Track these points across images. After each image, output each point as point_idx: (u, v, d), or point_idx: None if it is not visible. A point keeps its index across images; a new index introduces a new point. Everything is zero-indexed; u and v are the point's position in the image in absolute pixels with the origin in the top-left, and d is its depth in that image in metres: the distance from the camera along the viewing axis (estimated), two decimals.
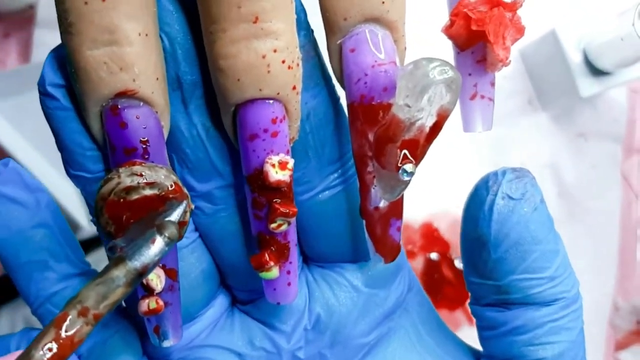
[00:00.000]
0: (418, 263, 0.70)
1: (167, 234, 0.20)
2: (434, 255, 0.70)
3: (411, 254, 0.70)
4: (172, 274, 0.25)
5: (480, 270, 0.28)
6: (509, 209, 0.26)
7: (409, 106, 0.22)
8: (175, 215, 0.22)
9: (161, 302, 0.24)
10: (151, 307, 0.24)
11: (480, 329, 0.29)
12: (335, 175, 0.26)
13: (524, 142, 0.72)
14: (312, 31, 0.24)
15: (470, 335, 0.72)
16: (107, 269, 0.19)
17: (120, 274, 0.19)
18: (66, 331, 0.19)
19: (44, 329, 0.19)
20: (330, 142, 0.26)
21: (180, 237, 0.21)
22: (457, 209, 0.71)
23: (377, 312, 0.29)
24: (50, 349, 0.18)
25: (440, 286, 0.70)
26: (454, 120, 0.76)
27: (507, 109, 0.73)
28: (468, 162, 0.71)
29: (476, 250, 0.27)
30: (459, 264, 0.70)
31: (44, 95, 0.23)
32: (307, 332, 0.29)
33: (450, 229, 0.71)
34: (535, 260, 0.26)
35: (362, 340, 0.29)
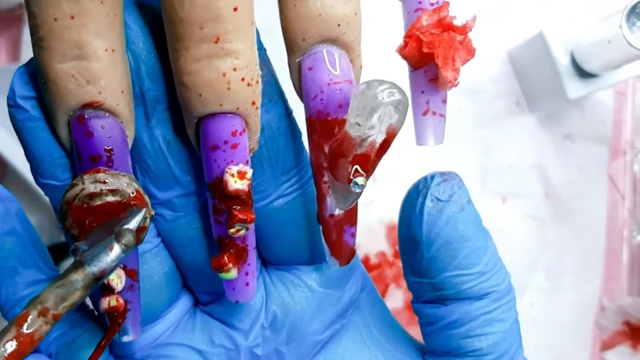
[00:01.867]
0: None
1: (124, 242, 0.21)
2: None
3: (399, 255, 0.70)
4: (132, 274, 0.26)
5: (416, 270, 0.29)
6: (438, 210, 0.27)
7: (359, 125, 0.24)
8: (134, 223, 0.23)
9: (121, 300, 0.25)
10: (111, 305, 0.25)
11: (422, 325, 0.31)
12: (288, 184, 0.28)
13: (511, 143, 0.73)
14: (265, 50, 0.26)
15: None
16: (66, 273, 0.21)
17: (78, 277, 0.21)
18: (26, 329, 0.20)
19: (5, 326, 0.20)
20: (283, 154, 0.27)
21: (140, 242, 0.23)
22: None
23: (331, 311, 0.31)
24: (11, 346, 0.20)
25: None
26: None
27: (494, 110, 0.73)
28: (455, 164, 0.72)
29: (411, 250, 0.29)
30: None
31: (13, 107, 0.24)
32: (264, 330, 0.30)
33: None
34: (465, 257, 0.28)
35: (316, 337, 0.31)
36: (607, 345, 0.71)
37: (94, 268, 0.21)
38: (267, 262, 0.31)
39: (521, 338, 0.30)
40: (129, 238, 0.22)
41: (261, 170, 0.27)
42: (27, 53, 0.71)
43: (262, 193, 0.28)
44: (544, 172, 0.73)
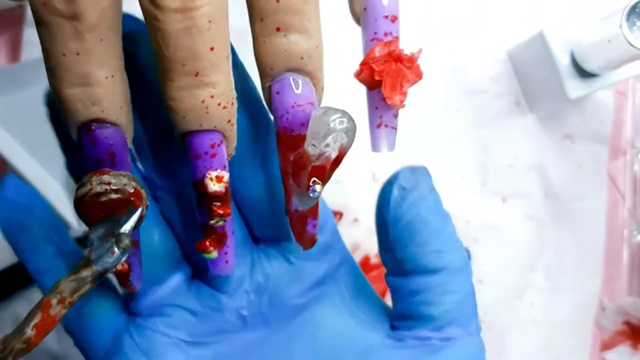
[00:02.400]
0: None
1: (122, 246, 0.28)
2: None
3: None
4: (134, 244, 0.32)
5: (385, 246, 0.35)
6: (402, 196, 0.33)
7: (315, 146, 0.29)
8: (131, 223, 0.29)
9: (126, 265, 0.32)
10: (118, 269, 0.31)
11: (391, 293, 0.36)
12: (269, 173, 0.34)
13: (511, 143, 0.73)
14: (242, 64, 0.32)
15: None
16: (78, 268, 0.28)
17: (87, 274, 0.28)
18: (49, 313, 0.27)
19: (32, 309, 0.27)
20: (261, 148, 0.33)
21: (138, 226, 0.29)
22: (446, 208, 0.71)
23: (307, 280, 0.37)
24: (38, 325, 0.27)
25: None
26: (443, 123, 0.76)
27: (494, 110, 0.73)
28: (454, 164, 0.72)
29: (382, 230, 0.35)
30: None
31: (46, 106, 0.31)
32: (248, 295, 0.36)
33: None
34: (423, 237, 0.34)
35: (294, 302, 0.37)
36: (607, 345, 0.71)
37: (99, 267, 0.28)
38: (258, 238, 0.37)
39: (475, 308, 0.35)
40: (126, 243, 0.28)
41: (242, 163, 0.33)
42: (27, 53, 0.71)
43: (245, 181, 0.34)
44: (544, 172, 0.73)
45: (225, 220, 0.31)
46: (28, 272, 0.36)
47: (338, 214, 0.71)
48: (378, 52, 0.30)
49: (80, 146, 0.29)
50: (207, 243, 0.32)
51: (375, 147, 0.32)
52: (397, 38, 0.31)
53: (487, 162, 0.72)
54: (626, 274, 0.72)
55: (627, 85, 0.74)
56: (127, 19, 0.29)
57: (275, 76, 0.29)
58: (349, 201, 0.71)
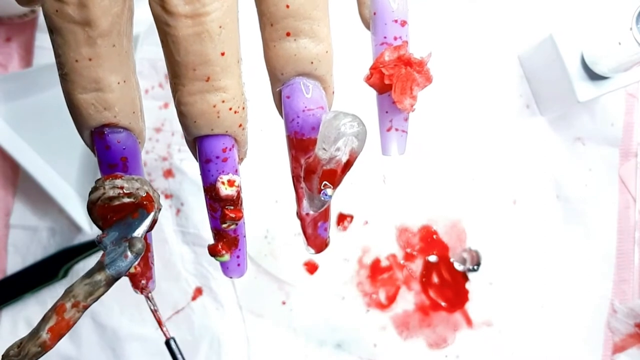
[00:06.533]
0: (417, 266, 0.71)
1: (135, 250, 0.28)
2: (432, 258, 0.71)
3: (410, 257, 0.71)
4: (147, 248, 0.32)
5: None
6: None
7: (325, 150, 0.29)
8: (144, 226, 0.29)
9: (139, 267, 0.33)
10: (131, 272, 0.32)
11: None
12: None
13: (521, 145, 0.73)
14: None
15: (469, 337, 0.72)
16: (92, 272, 0.28)
17: (101, 278, 0.28)
18: (64, 317, 0.28)
19: (47, 313, 0.28)
20: None
21: (151, 229, 0.30)
22: (455, 213, 0.71)
23: None
24: (52, 329, 0.28)
25: (439, 288, 0.70)
26: (454, 126, 0.76)
27: (505, 112, 0.73)
28: (465, 167, 0.72)
29: None
30: (458, 266, 0.70)
31: None
32: None
33: (449, 232, 0.71)
34: None
35: None
36: (618, 348, 0.71)
37: (112, 271, 0.28)
38: None
39: None
40: (138, 247, 0.28)
41: None
42: (39, 58, 0.72)
43: None
44: (555, 174, 0.73)
45: (237, 224, 0.31)
46: (39, 275, 0.36)
47: (349, 217, 0.71)
48: (388, 56, 0.31)
49: (93, 151, 0.29)
50: (220, 246, 0.32)
51: (385, 150, 0.33)
52: (406, 42, 0.31)
53: (497, 164, 0.72)
54: (638, 276, 0.72)
55: (637, 87, 0.74)
56: None
57: (286, 81, 0.29)
58: (360, 204, 0.71)
